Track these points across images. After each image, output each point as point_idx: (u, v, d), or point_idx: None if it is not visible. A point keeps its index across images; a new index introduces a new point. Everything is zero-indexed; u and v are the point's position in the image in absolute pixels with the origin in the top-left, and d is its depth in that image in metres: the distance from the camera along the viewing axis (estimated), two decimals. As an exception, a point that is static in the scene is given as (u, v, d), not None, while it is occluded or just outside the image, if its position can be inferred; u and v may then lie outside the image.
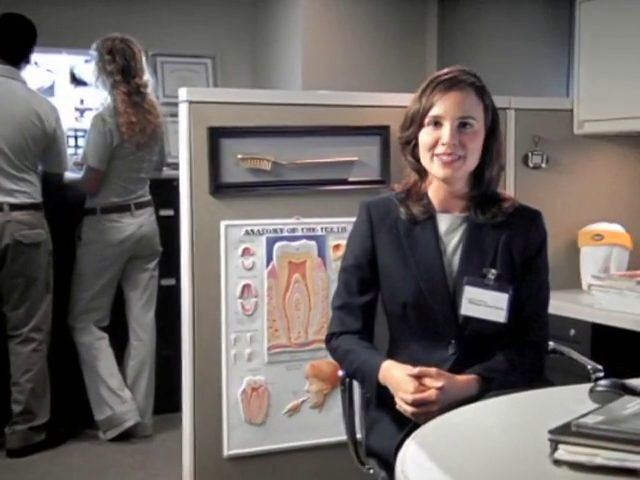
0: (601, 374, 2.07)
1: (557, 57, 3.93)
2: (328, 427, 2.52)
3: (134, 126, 3.49)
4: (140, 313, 3.71)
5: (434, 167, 1.95)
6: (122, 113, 3.47)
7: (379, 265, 2.04)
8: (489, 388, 1.86)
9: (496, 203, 2.02)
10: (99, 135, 3.50)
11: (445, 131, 1.92)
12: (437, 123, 1.94)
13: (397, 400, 1.87)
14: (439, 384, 1.83)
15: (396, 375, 1.89)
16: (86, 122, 3.72)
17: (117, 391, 3.59)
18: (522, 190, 2.80)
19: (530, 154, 2.90)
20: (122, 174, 3.58)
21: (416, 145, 2.00)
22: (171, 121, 3.62)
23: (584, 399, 1.52)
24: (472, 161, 1.96)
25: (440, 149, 1.93)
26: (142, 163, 3.62)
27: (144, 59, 3.63)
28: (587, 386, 1.56)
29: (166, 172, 3.83)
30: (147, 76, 3.60)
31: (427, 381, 1.85)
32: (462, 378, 1.88)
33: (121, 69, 3.51)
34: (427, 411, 1.79)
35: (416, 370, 1.86)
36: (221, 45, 4.79)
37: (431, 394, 1.82)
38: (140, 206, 3.64)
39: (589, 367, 2.12)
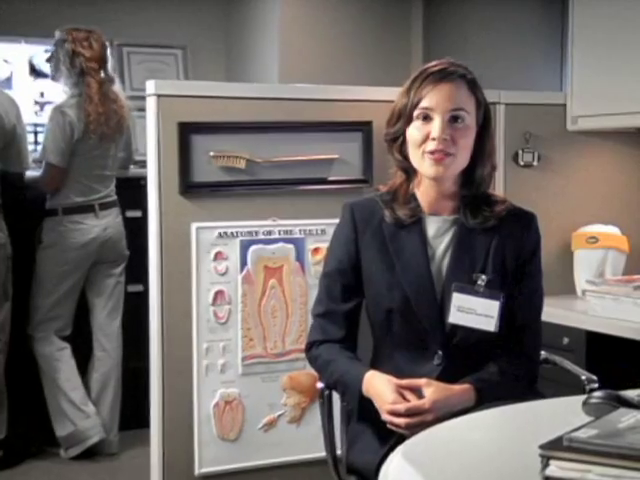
0: (595, 385, 2.08)
1: (550, 49, 3.96)
2: (306, 443, 2.52)
3: (100, 117, 3.49)
4: (105, 322, 3.69)
5: (424, 165, 1.96)
6: (94, 102, 3.48)
7: (363, 270, 2.04)
8: (480, 400, 1.87)
9: (488, 206, 2.02)
10: (58, 129, 3.49)
11: (435, 125, 1.93)
12: (427, 117, 1.95)
13: (383, 414, 1.87)
14: (429, 395, 1.83)
15: (378, 386, 1.90)
16: (46, 116, 3.71)
17: (80, 405, 3.57)
18: (512, 190, 2.82)
19: (520, 152, 2.91)
20: (85, 171, 3.57)
21: (404, 142, 2.01)
22: (138, 116, 3.61)
23: (577, 412, 1.53)
24: (463, 158, 1.97)
25: (430, 145, 1.93)
26: (106, 159, 3.60)
27: (107, 50, 3.66)
28: (581, 398, 1.57)
29: (133, 170, 3.82)
30: (110, 69, 3.63)
31: (409, 395, 1.86)
32: (458, 388, 1.88)
33: (98, 57, 3.55)
34: (422, 421, 1.79)
35: (404, 382, 1.87)
36: (193, 34, 4.79)
37: (424, 402, 1.83)
38: (105, 207, 3.63)
39: (583, 378, 2.13)
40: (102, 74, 3.57)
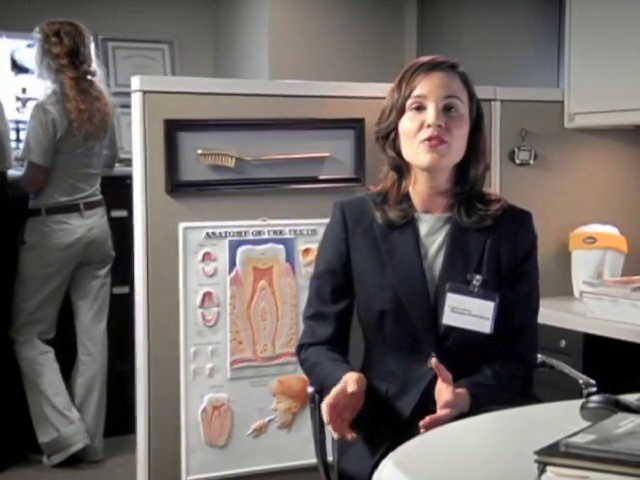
0: (593, 389, 2.09)
1: (546, 44, 3.97)
2: (297, 449, 2.52)
3: (83, 114, 3.47)
4: (90, 325, 3.68)
5: (419, 154, 1.96)
6: (71, 99, 3.46)
7: (354, 270, 2.04)
8: (475, 405, 1.86)
9: (483, 204, 2.03)
10: (41, 127, 3.48)
11: (430, 112, 1.94)
12: (420, 107, 1.96)
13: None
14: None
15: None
16: (28, 113, 3.70)
17: (63, 411, 3.56)
18: (508, 189, 2.82)
19: (517, 149, 2.92)
20: (69, 170, 3.56)
21: (396, 137, 2.01)
22: (124, 113, 3.60)
23: (574, 416, 1.53)
24: (457, 149, 1.97)
25: (425, 133, 1.94)
26: (91, 157, 3.59)
27: (93, 47, 3.62)
28: (578, 402, 1.57)
29: (118, 169, 3.82)
30: (96, 66, 3.60)
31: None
32: (460, 392, 1.86)
33: (69, 52, 3.51)
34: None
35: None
36: (180, 29, 4.78)
37: (444, 415, 1.78)
38: (90, 206, 3.62)
39: (581, 381, 2.14)
40: (79, 70, 3.52)
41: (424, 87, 1.95)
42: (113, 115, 3.64)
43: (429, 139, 1.93)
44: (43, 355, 3.61)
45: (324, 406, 1.82)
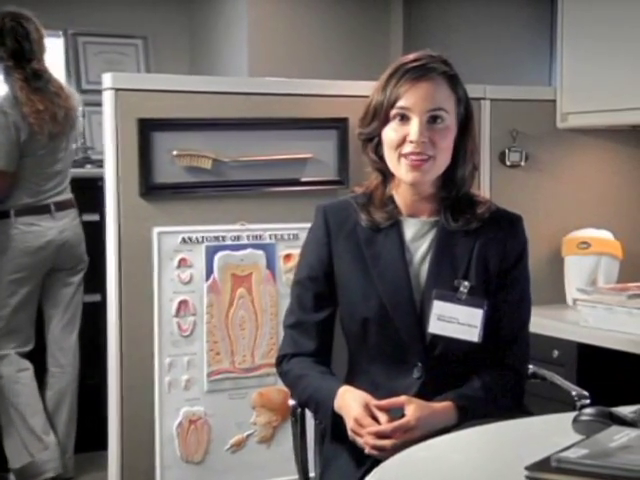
0: (587, 401, 2.09)
1: (538, 41, 3.99)
2: (278, 464, 2.51)
3: (43, 114, 3.44)
4: (61, 335, 3.65)
5: (401, 170, 1.96)
6: (25, 102, 3.42)
7: (337, 277, 2.04)
8: (462, 418, 1.87)
9: (470, 207, 2.03)
10: (1, 131, 3.44)
11: (413, 127, 1.94)
12: (404, 117, 1.95)
13: (349, 431, 1.87)
14: (412, 412, 1.83)
15: (348, 401, 1.90)
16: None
17: (40, 434, 3.50)
18: (498, 191, 2.84)
19: (507, 150, 2.93)
20: (36, 170, 3.52)
21: (379, 142, 2.01)
22: (95, 112, 3.59)
23: (567, 430, 1.54)
24: (442, 161, 1.98)
25: (408, 148, 1.94)
26: (57, 154, 3.56)
27: (43, 38, 3.54)
28: (571, 415, 1.58)
29: (90, 170, 3.80)
30: (45, 61, 3.52)
31: (380, 415, 1.85)
32: (438, 405, 1.89)
33: (12, 53, 3.44)
34: (409, 438, 1.78)
35: (382, 402, 1.87)
36: (154, 23, 4.77)
37: (409, 420, 1.82)
38: (62, 207, 3.59)
39: (574, 393, 2.14)
40: (26, 70, 3.44)
41: (409, 99, 1.95)
42: (77, 109, 3.61)
43: (411, 155, 1.94)
44: (22, 372, 3.54)
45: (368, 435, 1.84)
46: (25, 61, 3.46)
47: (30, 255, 3.54)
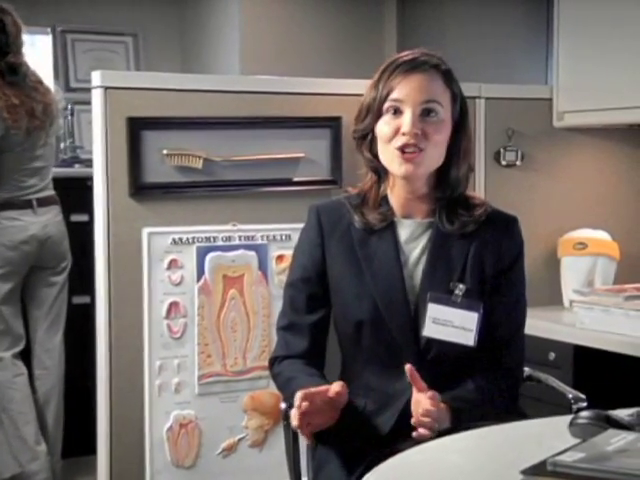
0: (584, 404, 2.10)
1: (534, 39, 3.99)
2: (270, 469, 2.51)
3: (18, 109, 3.42)
4: (45, 336, 3.64)
5: (394, 163, 1.97)
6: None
7: (330, 278, 2.05)
8: (457, 421, 1.87)
9: (466, 209, 2.03)
10: None
11: (406, 119, 1.94)
12: (397, 110, 1.96)
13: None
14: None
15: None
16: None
17: (32, 444, 3.48)
18: (493, 191, 2.84)
19: (503, 150, 2.94)
20: (16, 166, 3.50)
21: (374, 139, 2.02)
22: (84, 110, 3.58)
23: (563, 433, 1.54)
24: (436, 156, 1.98)
25: (400, 140, 1.94)
26: (36, 150, 3.54)
27: (21, 32, 3.50)
28: (567, 418, 1.58)
29: (78, 170, 3.79)
30: (23, 55, 3.48)
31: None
32: (440, 406, 1.85)
33: None
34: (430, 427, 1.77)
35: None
36: (145, 20, 4.77)
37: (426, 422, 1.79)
38: (44, 203, 3.58)
39: (570, 396, 2.15)
40: (3, 63, 3.40)
41: (402, 90, 1.95)
42: (58, 103, 3.60)
43: (404, 147, 1.94)
44: (17, 378, 3.51)
45: (298, 395, 1.79)
46: (0, 54, 3.45)
47: (13, 249, 3.52)
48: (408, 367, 1.85)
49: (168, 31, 4.85)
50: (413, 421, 1.81)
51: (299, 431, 1.83)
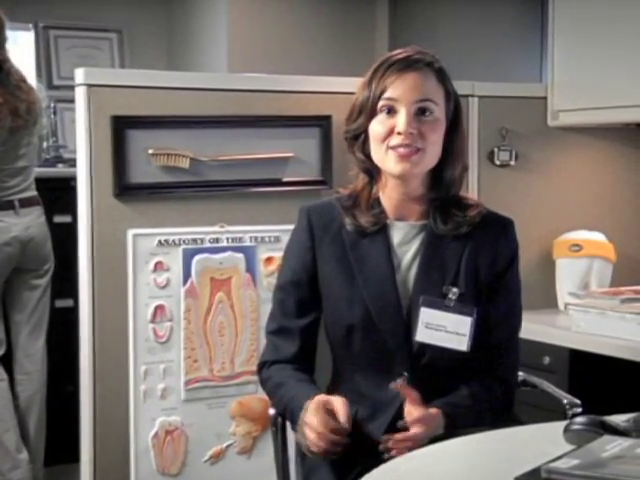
0: (578, 410, 2.10)
1: (528, 37, 4.00)
2: (258, 476, 2.51)
3: (2, 108, 3.41)
4: (27, 341, 3.63)
5: (388, 162, 1.96)
6: None
7: (321, 282, 2.05)
8: (450, 427, 1.87)
9: (460, 210, 2.03)
10: None
11: (401, 118, 1.94)
12: (391, 110, 1.96)
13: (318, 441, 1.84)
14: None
15: (311, 421, 1.85)
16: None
17: (13, 452, 3.48)
18: (487, 192, 2.85)
19: (496, 150, 2.94)
20: None
21: (366, 139, 2.01)
22: (67, 108, 3.58)
23: (558, 439, 1.54)
24: (432, 155, 1.98)
25: (395, 140, 1.94)
26: (19, 150, 3.53)
27: (4, 28, 3.50)
28: (562, 424, 1.59)
29: (62, 170, 3.79)
30: (7, 52, 3.49)
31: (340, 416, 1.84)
32: (433, 412, 1.87)
33: None
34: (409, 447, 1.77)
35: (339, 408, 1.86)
36: (130, 16, 4.76)
37: (417, 433, 1.81)
38: (26, 204, 3.58)
39: (565, 402, 2.15)
40: None
41: (396, 89, 1.95)
42: (41, 101, 3.59)
43: (399, 147, 1.94)
44: None
45: (312, 437, 1.83)
46: None
47: None
48: (397, 385, 1.87)
49: (154, 27, 4.85)
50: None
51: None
